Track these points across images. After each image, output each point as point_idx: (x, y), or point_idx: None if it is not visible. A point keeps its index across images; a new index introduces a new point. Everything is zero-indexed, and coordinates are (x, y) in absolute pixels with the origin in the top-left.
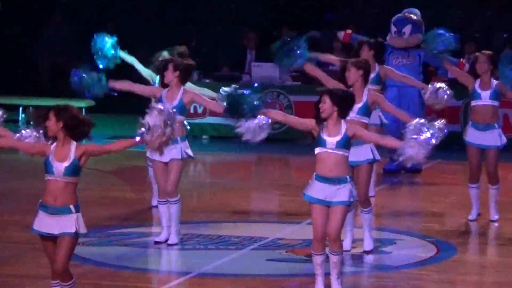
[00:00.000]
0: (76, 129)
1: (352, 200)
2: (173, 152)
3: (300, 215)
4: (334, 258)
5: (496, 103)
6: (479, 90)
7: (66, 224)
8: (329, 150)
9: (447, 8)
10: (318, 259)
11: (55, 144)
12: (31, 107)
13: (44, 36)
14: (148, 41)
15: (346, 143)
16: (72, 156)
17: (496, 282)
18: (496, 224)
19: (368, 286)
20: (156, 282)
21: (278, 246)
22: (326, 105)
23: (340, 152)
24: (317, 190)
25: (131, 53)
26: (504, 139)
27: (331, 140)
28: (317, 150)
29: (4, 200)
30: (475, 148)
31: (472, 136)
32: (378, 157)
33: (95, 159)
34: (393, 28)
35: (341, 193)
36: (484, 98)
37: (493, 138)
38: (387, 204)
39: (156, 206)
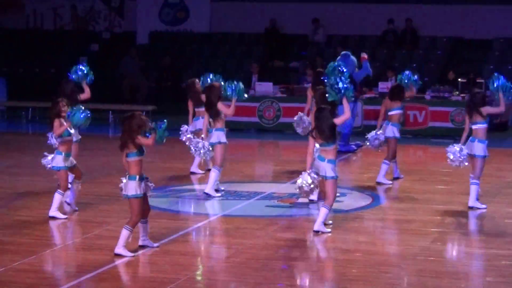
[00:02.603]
0: None
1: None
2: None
3: (286, 178)
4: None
5: (402, 111)
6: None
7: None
8: None
9: (376, 46)
10: None
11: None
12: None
13: (124, 64)
14: (191, 69)
15: None
16: None
17: (410, 220)
18: (406, 184)
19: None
20: (195, 220)
21: (272, 197)
22: None
23: None
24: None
25: (179, 77)
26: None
27: None
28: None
29: (101, 169)
30: (396, 139)
31: (394, 132)
32: None
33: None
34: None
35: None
36: (396, 109)
37: (398, 132)
38: (341, 171)
39: (193, 173)
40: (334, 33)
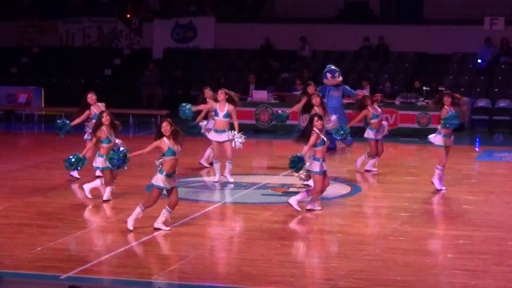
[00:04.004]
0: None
1: None
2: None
3: (278, 170)
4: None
5: (378, 119)
6: (375, 112)
7: (175, 181)
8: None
9: (353, 61)
10: None
11: (166, 139)
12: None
13: (143, 76)
14: (199, 79)
15: None
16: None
17: (384, 206)
18: (379, 176)
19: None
20: (202, 207)
21: (267, 187)
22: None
23: None
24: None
25: (189, 86)
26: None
27: None
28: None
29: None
30: (376, 141)
31: (373, 133)
32: None
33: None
34: (329, 75)
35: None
36: (374, 115)
37: (374, 134)
38: (327, 165)
39: (201, 164)
40: (318, 49)
